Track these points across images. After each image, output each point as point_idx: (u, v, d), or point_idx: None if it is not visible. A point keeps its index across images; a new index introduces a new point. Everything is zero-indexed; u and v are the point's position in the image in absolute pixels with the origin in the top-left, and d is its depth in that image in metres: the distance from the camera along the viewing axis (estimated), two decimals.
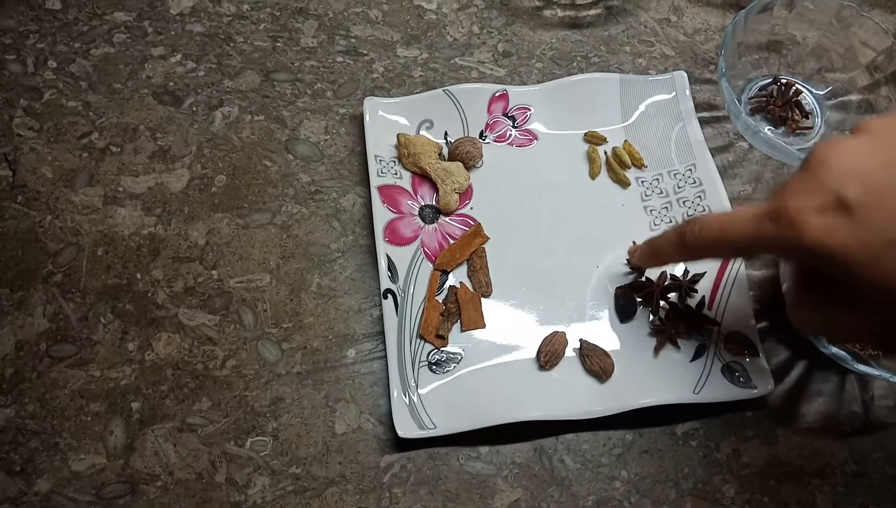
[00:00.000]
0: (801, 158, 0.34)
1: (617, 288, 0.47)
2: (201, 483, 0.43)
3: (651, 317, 0.47)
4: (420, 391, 0.44)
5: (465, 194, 0.50)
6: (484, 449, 0.44)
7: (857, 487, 0.44)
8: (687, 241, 0.38)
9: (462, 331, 0.46)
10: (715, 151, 0.52)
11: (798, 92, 0.54)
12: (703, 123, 0.52)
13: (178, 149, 0.51)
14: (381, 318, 0.46)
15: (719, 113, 0.54)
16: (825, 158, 0.32)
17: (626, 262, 0.49)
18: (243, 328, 0.46)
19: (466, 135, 0.51)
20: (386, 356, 0.45)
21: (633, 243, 0.48)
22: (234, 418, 0.44)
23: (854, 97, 0.53)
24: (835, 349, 0.43)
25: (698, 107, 0.53)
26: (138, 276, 0.48)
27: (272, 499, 0.42)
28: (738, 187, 0.52)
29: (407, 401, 0.43)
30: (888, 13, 0.58)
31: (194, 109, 0.53)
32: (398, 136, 0.50)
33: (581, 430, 0.45)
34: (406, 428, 0.42)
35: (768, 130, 0.54)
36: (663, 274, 0.48)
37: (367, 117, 0.50)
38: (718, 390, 0.44)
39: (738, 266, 0.47)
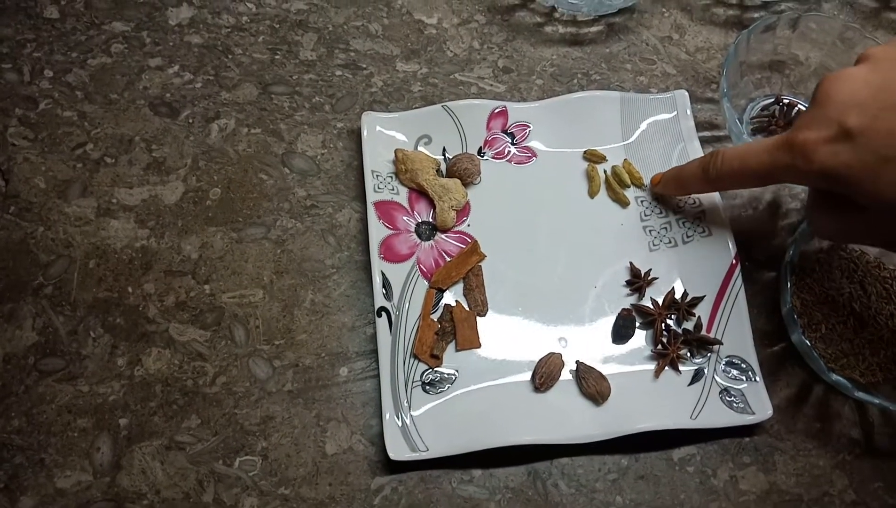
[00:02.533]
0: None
1: (623, 309, 0.47)
2: (188, 503, 0.42)
3: (651, 341, 0.46)
4: (413, 413, 0.43)
5: (463, 211, 0.49)
6: (477, 472, 0.43)
7: None
8: (710, 173, 0.42)
9: (457, 351, 0.45)
10: None
11: (800, 112, 0.54)
12: (704, 142, 0.52)
13: (173, 161, 0.51)
14: (374, 336, 0.45)
15: (720, 133, 0.54)
16: (829, 90, 0.36)
17: (625, 283, 0.48)
18: (234, 345, 0.46)
19: (465, 151, 0.51)
20: (379, 376, 0.44)
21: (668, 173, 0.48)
22: (222, 436, 0.44)
23: None
24: (835, 377, 0.43)
25: (699, 126, 0.52)
26: (129, 289, 0.47)
27: None
28: (739, 209, 0.51)
29: (399, 423, 0.43)
30: (892, 33, 0.58)
31: (190, 120, 0.52)
32: (396, 151, 0.49)
33: (576, 454, 0.44)
34: (397, 451, 0.42)
35: None
36: (667, 299, 0.47)
37: (364, 132, 0.49)
38: (716, 415, 0.44)
39: (737, 289, 0.47)
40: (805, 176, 0.37)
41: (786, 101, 0.54)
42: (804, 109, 0.54)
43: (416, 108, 0.52)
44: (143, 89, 0.53)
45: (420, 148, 0.51)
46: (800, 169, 0.37)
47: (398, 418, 0.43)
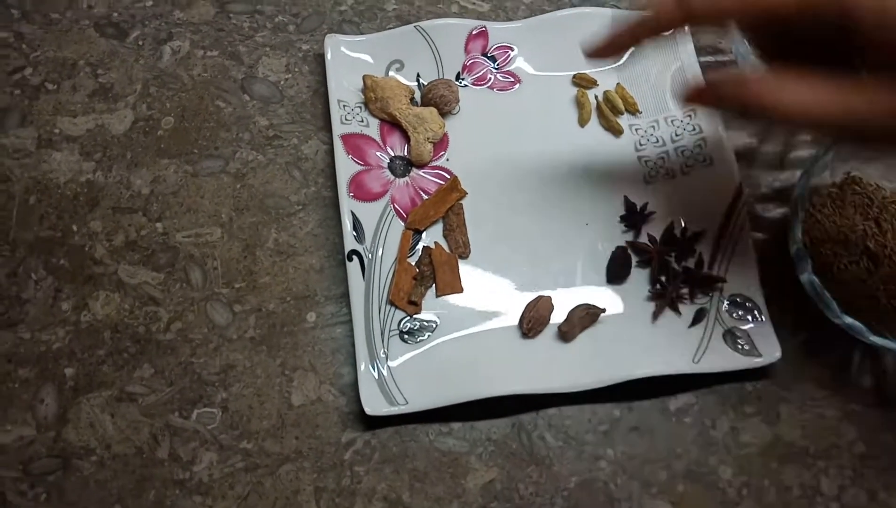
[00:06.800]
0: None
1: (617, 247, 0.44)
2: (141, 459, 0.39)
3: (649, 280, 0.43)
4: (390, 364, 0.40)
5: (440, 143, 0.46)
6: (457, 425, 0.41)
7: (866, 470, 0.41)
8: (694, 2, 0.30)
9: (437, 296, 0.42)
10: None
11: None
12: (707, 67, 0.48)
13: (121, 87, 0.47)
14: (345, 279, 0.42)
15: (724, 57, 0.50)
16: None
17: (619, 218, 0.45)
18: (190, 288, 0.43)
19: (441, 77, 0.47)
20: (351, 321, 0.41)
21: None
22: (178, 387, 0.41)
23: None
24: (849, 320, 0.39)
25: (701, 50, 0.49)
26: (74, 228, 0.44)
27: (220, 477, 0.39)
28: (744, 139, 0.48)
29: (376, 375, 0.40)
30: None
31: (140, 42, 0.48)
32: (364, 78, 0.45)
33: (564, 404, 0.41)
34: (374, 405, 0.39)
35: None
36: (665, 235, 0.44)
37: (328, 57, 0.46)
38: (720, 359, 0.41)
39: (741, 223, 0.43)
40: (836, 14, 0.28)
41: None
42: None
43: (389, 29, 0.48)
44: (88, 8, 0.49)
45: (391, 74, 0.47)
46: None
47: (374, 369, 0.40)
